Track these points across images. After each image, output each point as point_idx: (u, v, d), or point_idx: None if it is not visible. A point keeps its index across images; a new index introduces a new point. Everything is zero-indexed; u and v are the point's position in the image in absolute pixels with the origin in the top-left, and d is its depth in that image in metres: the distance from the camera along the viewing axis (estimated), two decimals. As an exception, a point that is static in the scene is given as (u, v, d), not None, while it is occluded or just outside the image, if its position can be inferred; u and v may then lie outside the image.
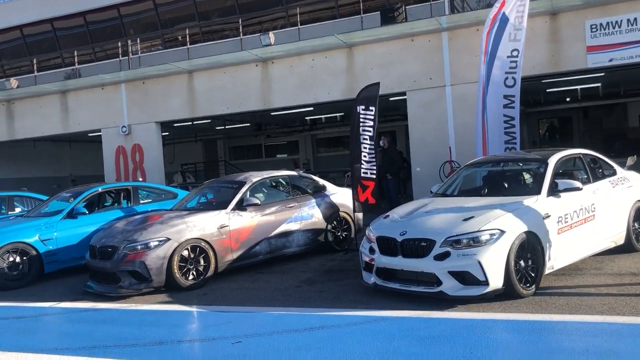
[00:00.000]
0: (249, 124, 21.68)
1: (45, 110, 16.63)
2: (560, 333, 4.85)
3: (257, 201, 8.40)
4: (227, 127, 21.63)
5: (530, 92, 16.37)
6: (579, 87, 16.99)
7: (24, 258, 8.74)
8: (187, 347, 5.24)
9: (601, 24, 10.81)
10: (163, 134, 15.98)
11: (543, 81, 13.61)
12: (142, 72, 14.94)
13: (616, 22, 10.69)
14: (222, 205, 8.32)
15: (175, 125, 17.39)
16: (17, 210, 11.83)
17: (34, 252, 8.81)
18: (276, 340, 5.10)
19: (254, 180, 8.82)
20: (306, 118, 22.02)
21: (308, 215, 8.98)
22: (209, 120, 17.48)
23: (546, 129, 23.17)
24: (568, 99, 19.36)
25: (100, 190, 10.26)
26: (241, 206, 8.23)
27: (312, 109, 16.53)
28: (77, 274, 8.93)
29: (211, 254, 7.69)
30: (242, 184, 8.64)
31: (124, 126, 15.28)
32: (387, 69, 12.48)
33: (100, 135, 16.11)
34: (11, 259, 8.65)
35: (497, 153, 9.56)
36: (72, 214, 9.31)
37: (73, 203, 9.52)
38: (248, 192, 8.52)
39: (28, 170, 21.64)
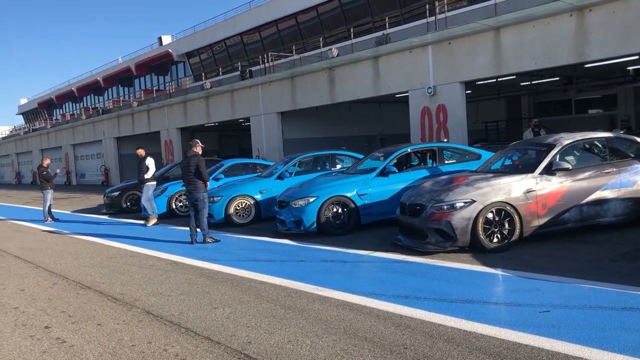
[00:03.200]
0: (557, 78, 20.14)
1: (359, 75, 18.26)
2: None
3: (568, 165, 7.91)
4: (533, 82, 20.48)
5: None
6: None
7: (345, 209, 10.02)
8: (493, 309, 5.36)
9: None
10: (466, 92, 16.02)
11: None
12: (448, 33, 15.13)
13: None
14: (528, 168, 8.07)
15: (478, 83, 17.24)
16: (338, 166, 13.48)
17: (353, 205, 10.01)
18: (588, 315, 4.83)
19: (565, 142, 8.27)
20: (628, 68, 19.35)
21: (628, 182, 8.08)
22: (514, 77, 16.82)
23: None
24: None
25: (409, 150, 10.98)
26: (550, 170, 7.86)
27: (636, 57, 14.45)
28: (386, 227, 9.84)
29: (516, 218, 7.58)
30: (551, 146, 8.20)
31: (429, 87, 15.82)
32: None
33: (406, 96, 17.01)
34: (335, 209, 10.00)
35: None
36: (384, 172, 10.22)
37: (385, 162, 10.43)
38: (558, 156, 8.06)
39: (344, 130, 24.28)
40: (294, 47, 25.21)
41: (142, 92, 40.08)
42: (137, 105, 32.08)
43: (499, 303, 5.59)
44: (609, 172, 8.07)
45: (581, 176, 7.95)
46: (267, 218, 12.29)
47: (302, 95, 20.74)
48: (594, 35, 12.31)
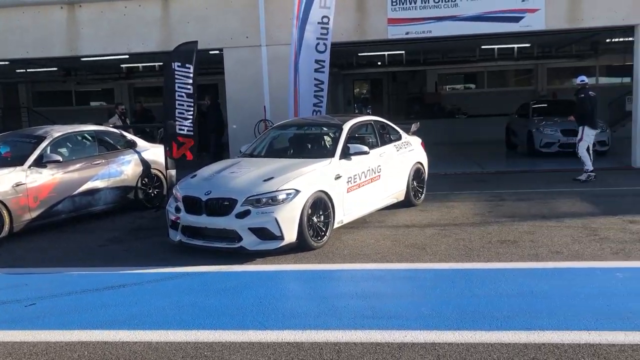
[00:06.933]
0: (55, 69, 19.94)
1: None
2: (339, 279, 5.59)
3: (59, 157, 8.01)
4: (28, 70, 19.67)
5: (343, 55, 17.39)
6: (386, 53, 18.52)
7: None
8: (-26, 313, 5.01)
9: (400, -1, 11.79)
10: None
11: (354, 46, 14.50)
12: None
13: (412, -2, 11.77)
14: (18, 161, 7.80)
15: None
16: None
17: None
18: (75, 300, 5.10)
19: (56, 135, 8.35)
20: (122, 66, 20.87)
21: (116, 172, 8.81)
22: (7, 63, 15.75)
23: (361, 89, 24.98)
24: (379, 63, 20.87)
25: None
26: (40, 163, 7.80)
27: (127, 57, 15.74)
28: None
29: (5, 213, 7.25)
30: (41, 138, 8.15)
31: None
32: (204, 23, 12.34)
33: None
34: None
35: (306, 115, 10.22)
36: None
37: None
38: (49, 148, 8.06)
39: None
40: None
41: None
42: None
43: (-19, 305, 5.26)
44: (99, 163, 8.61)
45: (73, 168, 8.21)
46: None
47: None
48: (85, 31, 12.74)
